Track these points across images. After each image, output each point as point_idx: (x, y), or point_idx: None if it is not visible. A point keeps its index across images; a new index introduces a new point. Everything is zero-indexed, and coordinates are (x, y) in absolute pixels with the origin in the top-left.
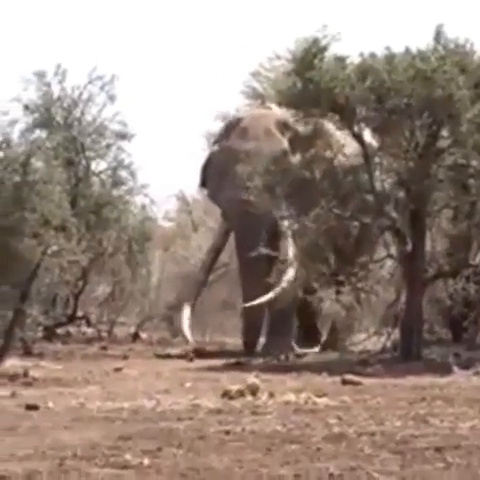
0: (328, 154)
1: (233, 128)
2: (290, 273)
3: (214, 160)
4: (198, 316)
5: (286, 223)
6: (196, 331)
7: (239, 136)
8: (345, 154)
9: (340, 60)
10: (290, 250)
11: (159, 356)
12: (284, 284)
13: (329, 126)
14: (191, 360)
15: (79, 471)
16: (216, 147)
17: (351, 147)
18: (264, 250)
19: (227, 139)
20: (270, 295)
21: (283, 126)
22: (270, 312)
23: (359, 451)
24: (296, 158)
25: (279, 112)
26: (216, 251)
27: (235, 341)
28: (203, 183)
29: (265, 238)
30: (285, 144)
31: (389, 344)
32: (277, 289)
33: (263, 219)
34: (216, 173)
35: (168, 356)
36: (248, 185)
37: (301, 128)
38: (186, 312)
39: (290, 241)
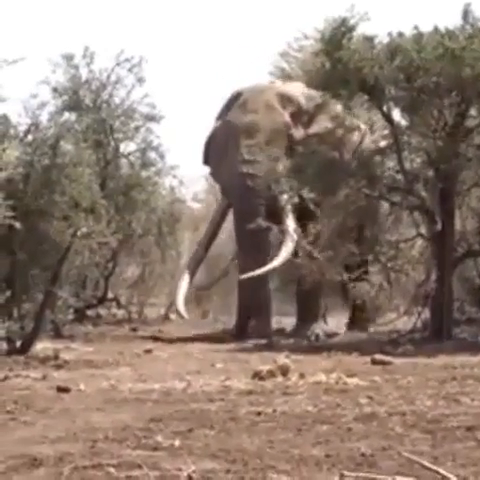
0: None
1: (234, 102)
2: (289, 246)
3: (215, 136)
4: (227, 297)
5: (285, 197)
6: (225, 312)
7: (239, 110)
8: (350, 130)
9: (369, 40)
10: (290, 224)
11: (190, 339)
12: (282, 258)
13: (333, 102)
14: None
15: (111, 453)
16: (218, 122)
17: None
18: (263, 223)
19: (227, 114)
20: (267, 267)
21: (285, 100)
22: (297, 294)
23: (390, 431)
24: (299, 132)
25: (282, 86)
26: (215, 227)
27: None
28: (206, 160)
29: (263, 213)
30: (287, 118)
31: (419, 324)
32: (275, 262)
33: (262, 193)
34: (217, 148)
35: (201, 338)
36: (248, 159)
37: (304, 102)
38: (182, 287)
39: (290, 216)
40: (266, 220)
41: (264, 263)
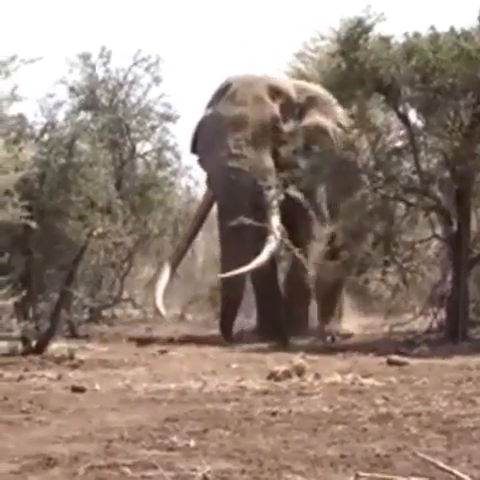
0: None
1: (223, 93)
2: (272, 245)
3: (203, 126)
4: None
5: (272, 193)
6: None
7: (227, 101)
8: (341, 124)
9: (385, 40)
10: (274, 221)
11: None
12: (265, 256)
13: (326, 95)
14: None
15: (126, 453)
16: (207, 111)
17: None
18: (246, 220)
19: (216, 104)
20: (249, 266)
21: (275, 92)
22: (317, 294)
23: (405, 431)
24: (288, 126)
25: (272, 77)
26: (200, 220)
27: None
28: (193, 149)
29: (248, 209)
30: (276, 110)
31: (435, 324)
32: (257, 260)
33: (248, 188)
34: (204, 139)
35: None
36: (234, 153)
37: (294, 94)
38: (162, 283)
39: (275, 213)
40: (250, 217)
41: (246, 261)
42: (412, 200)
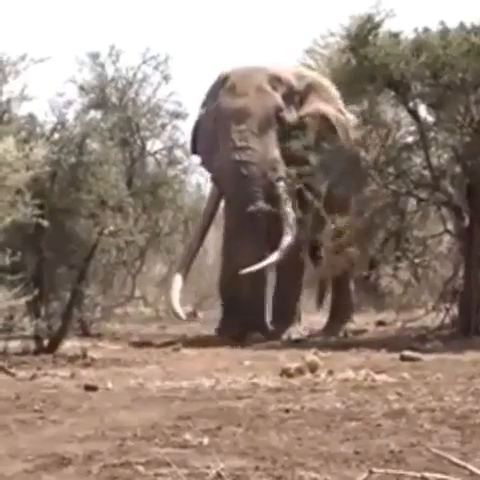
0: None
1: (220, 87)
2: (289, 237)
3: (203, 123)
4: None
5: (282, 185)
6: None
7: (227, 94)
8: (343, 111)
9: (394, 36)
10: (289, 213)
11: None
12: (282, 250)
13: (325, 81)
14: None
15: (139, 451)
16: (203, 109)
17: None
18: (264, 206)
19: (214, 99)
20: (267, 261)
21: (276, 81)
22: (334, 289)
23: (419, 427)
24: (291, 115)
25: (271, 67)
26: (208, 218)
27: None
28: (194, 150)
29: (261, 202)
30: (278, 100)
31: (447, 320)
32: (275, 255)
33: (259, 181)
34: (205, 137)
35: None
36: (240, 145)
37: (295, 82)
38: (176, 284)
39: (288, 204)
40: (263, 210)
41: (262, 253)
42: (423, 195)
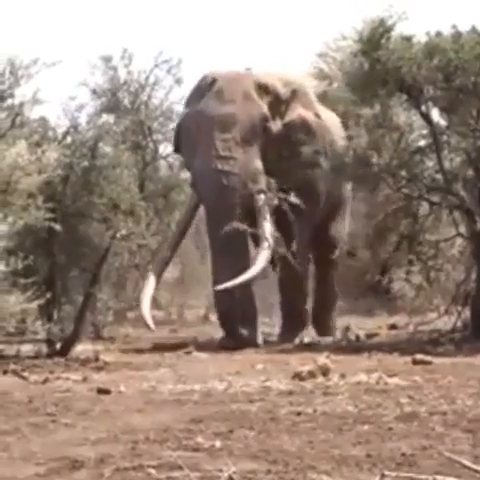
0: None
1: (205, 90)
2: (266, 252)
3: (186, 124)
4: (268, 299)
5: (262, 197)
6: (266, 314)
7: (213, 99)
8: (320, 115)
9: (407, 39)
10: (266, 227)
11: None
12: (260, 265)
13: (306, 86)
14: None
15: (151, 454)
16: (187, 110)
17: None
18: (240, 225)
19: (199, 102)
20: (244, 277)
21: (263, 89)
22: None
23: (431, 430)
24: (276, 125)
25: (259, 74)
26: (184, 226)
27: None
28: (177, 149)
29: (239, 214)
30: (265, 110)
31: (459, 323)
32: (252, 270)
33: (238, 192)
34: (189, 139)
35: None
36: (223, 155)
37: (282, 91)
38: (147, 293)
39: (267, 217)
40: (241, 222)
41: (242, 268)
42: (435, 199)
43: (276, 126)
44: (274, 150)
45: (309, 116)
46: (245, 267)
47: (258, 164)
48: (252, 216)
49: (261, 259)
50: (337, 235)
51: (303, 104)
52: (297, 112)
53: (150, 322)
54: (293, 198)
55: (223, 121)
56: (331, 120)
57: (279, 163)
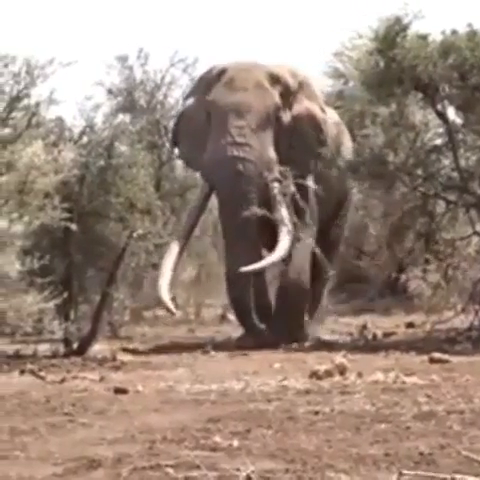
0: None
1: (214, 80)
2: (287, 238)
3: (188, 115)
4: None
5: (277, 186)
6: None
7: (224, 88)
8: (324, 109)
9: (422, 38)
10: (285, 214)
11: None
12: (281, 252)
13: (311, 78)
14: None
15: (169, 454)
16: (191, 101)
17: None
18: (259, 210)
19: (206, 92)
20: (264, 263)
21: (274, 79)
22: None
23: (448, 429)
24: (286, 115)
25: (269, 64)
26: (196, 216)
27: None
28: (175, 143)
29: (256, 202)
30: (278, 99)
31: (477, 321)
32: (273, 256)
33: (255, 180)
34: (195, 130)
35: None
36: (239, 141)
37: (291, 82)
38: (165, 281)
39: (283, 205)
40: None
41: (257, 255)
42: (452, 197)
43: (286, 116)
44: (283, 140)
45: (316, 109)
46: (259, 255)
47: (272, 153)
48: (266, 206)
49: (283, 245)
50: (338, 235)
51: (308, 96)
52: (304, 104)
53: (171, 306)
54: (311, 183)
55: (237, 108)
56: (333, 115)
57: (288, 154)
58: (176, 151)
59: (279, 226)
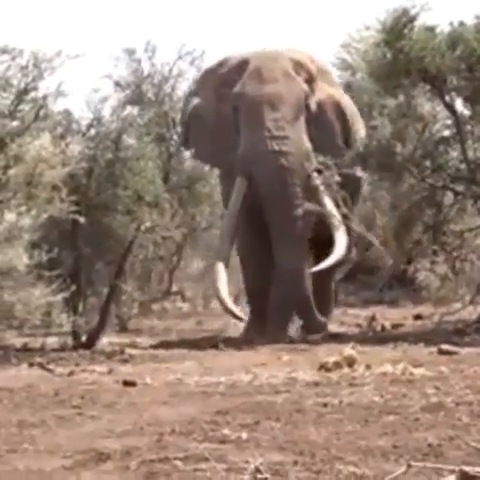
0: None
1: (236, 72)
2: (343, 230)
3: (207, 112)
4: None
5: (317, 176)
6: None
7: (252, 80)
8: (344, 96)
9: (430, 30)
10: (330, 205)
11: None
12: (343, 246)
13: (325, 64)
14: None
15: (177, 446)
16: (202, 97)
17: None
18: (312, 206)
19: (223, 86)
20: (332, 259)
21: (298, 66)
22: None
23: (457, 421)
24: (313, 102)
25: (290, 51)
26: (237, 218)
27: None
28: (185, 142)
29: (301, 195)
30: (305, 86)
31: None
32: (336, 254)
33: (298, 172)
34: (215, 127)
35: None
36: (277, 134)
37: (312, 68)
38: (222, 285)
39: (326, 197)
40: (302, 203)
41: (306, 251)
42: (460, 189)
43: (313, 104)
44: (311, 128)
45: (338, 96)
46: (307, 250)
47: (308, 143)
48: (309, 197)
49: (341, 239)
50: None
51: (329, 83)
52: (326, 91)
53: (238, 312)
54: (359, 172)
55: (270, 100)
56: (349, 102)
57: (315, 142)
58: (188, 152)
59: (331, 222)
